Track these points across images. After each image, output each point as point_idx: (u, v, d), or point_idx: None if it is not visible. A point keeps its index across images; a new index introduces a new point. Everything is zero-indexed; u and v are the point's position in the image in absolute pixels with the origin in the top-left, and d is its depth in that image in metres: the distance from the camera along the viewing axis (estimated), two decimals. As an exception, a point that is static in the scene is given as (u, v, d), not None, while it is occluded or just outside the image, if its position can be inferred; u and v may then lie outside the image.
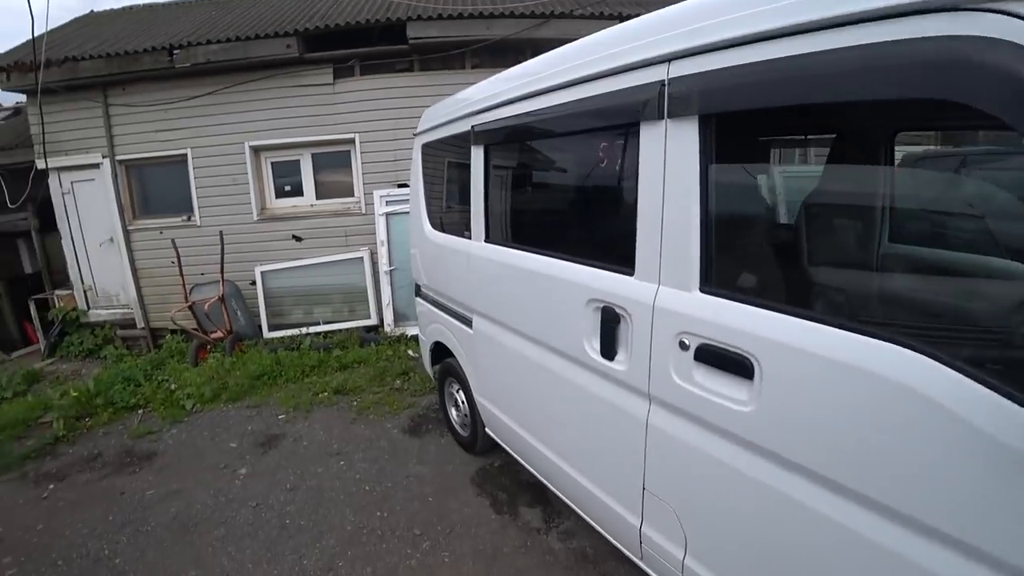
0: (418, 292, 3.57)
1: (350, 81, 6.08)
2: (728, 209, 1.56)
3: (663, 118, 1.47)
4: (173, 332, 6.17)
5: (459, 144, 2.74)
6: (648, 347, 1.62)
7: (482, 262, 2.53)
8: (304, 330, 5.95)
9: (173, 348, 5.99)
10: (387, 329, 5.88)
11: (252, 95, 6.12)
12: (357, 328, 5.97)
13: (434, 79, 5.89)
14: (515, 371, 2.41)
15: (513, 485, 3.02)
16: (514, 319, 2.34)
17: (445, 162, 3.15)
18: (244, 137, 6.20)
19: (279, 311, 6.18)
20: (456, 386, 3.30)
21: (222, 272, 5.84)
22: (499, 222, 2.49)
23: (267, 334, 6.09)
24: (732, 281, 1.53)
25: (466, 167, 2.63)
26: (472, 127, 2.51)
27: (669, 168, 1.48)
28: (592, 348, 1.86)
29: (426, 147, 3.24)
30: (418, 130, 3.32)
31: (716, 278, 1.45)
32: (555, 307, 2.03)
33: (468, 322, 2.77)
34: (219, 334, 5.82)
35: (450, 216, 3.16)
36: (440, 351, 3.31)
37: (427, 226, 3.22)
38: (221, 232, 5.95)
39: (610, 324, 1.76)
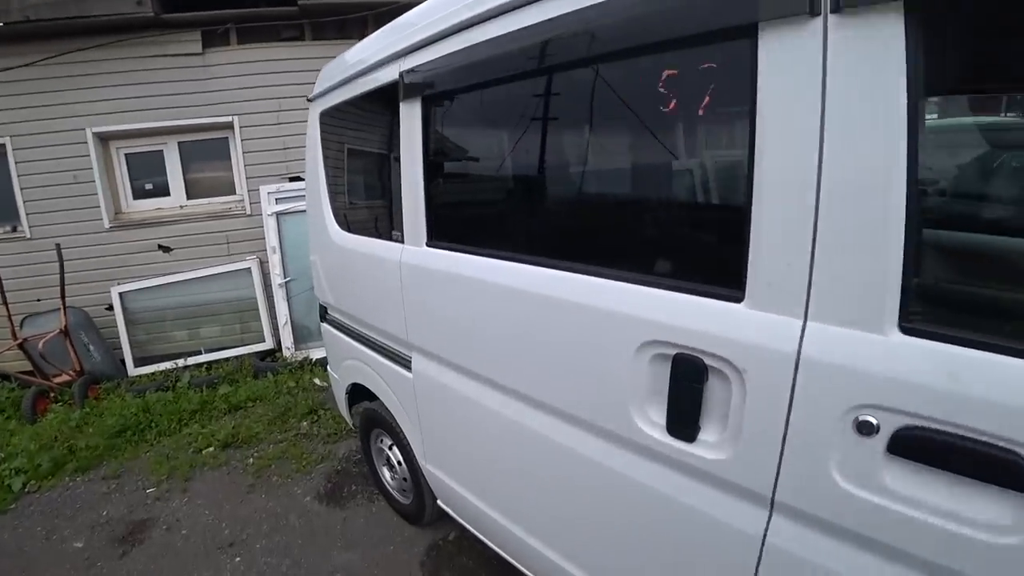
0: (324, 316, 2.66)
1: (224, 51, 4.91)
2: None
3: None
4: (4, 378, 4.75)
5: (379, 103, 1.90)
6: (779, 425, 0.92)
7: (424, 277, 1.71)
8: (182, 362, 4.75)
9: (1, 400, 4.57)
10: (286, 353, 4.83)
11: (95, 67, 4.77)
12: (249, 355, 4.86)
13: (330, 50, 4.85)
14: (493, 442, 1.63)
15: (480, 567, 2.24)
16: (488, 365, 1.56)
17: (356, 134, 2.27)
18: (86, 122, 4.84)
19: (147, 341, 4.91)
20: (388, 442, 2.45)
21: (63, 297, 4.50)
22: (455, 215, 1.69)
23: (133, 371, 4.82)
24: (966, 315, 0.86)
25: (391, 137, 1.79)
26: (402, 73, 1.68)
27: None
28: (648, 420, 1.16)
29: (327, 116, 2.33)
30: (315, 92, 2.40)
31: (934, 311, 0.77)
32: (571, 351, 1.29)
33: (404, 362, 1.94)
34: (65, 377, 4.49)
35: (366, 211, 2.29)
36: (361, 392, 2.45)
37: (332, 226, 2.32)
38: (58, 245, 4.59)
39: (688, 383, 1.06)
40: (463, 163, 1.70)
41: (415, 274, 1.74)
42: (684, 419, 1.11)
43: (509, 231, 1.59)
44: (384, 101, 1.83)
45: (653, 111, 1.15)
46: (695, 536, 1.14)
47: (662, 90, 1.07)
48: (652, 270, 1.18)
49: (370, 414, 2.47)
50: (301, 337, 4.86)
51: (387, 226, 1.91)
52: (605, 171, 1.44)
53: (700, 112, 1.08)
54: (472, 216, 1.70)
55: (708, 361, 1.06)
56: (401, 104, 1.70)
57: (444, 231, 1.67)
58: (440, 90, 1.57)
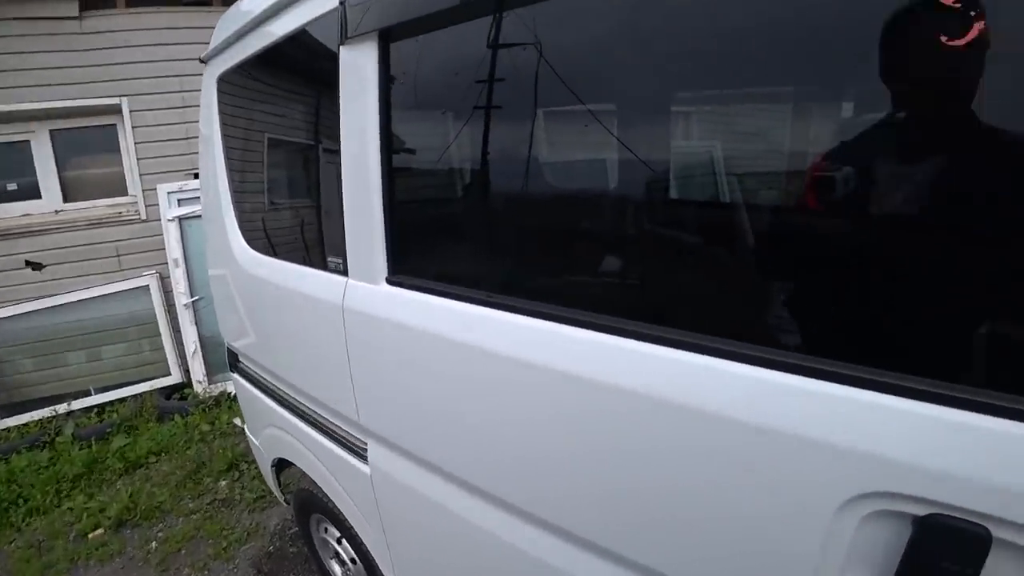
0: (233, 364, 1.93)
1: (109, 15, 3.93)
2: None
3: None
4: None
5: (306, 54, 1.24)
6: None
7: (384, 332, 1.06)
8: (64, 408, 3.80)
9: None
10: (198, 388, 3.94)
11: (-71, 36, 3.72)
12: (152, 392, 3.94)
13: (242, 18, 4.03)
14: None
15: None
16: (512, 486, 0.94)
17: (272, 106, 1.55)
18: (-81, 105, 3.78)
19: (16, 384, 3.91)
20: (337, 534, 1.78)
21: None
22: (440, 236, 1.10)
23: (-1, 421, 3.83)
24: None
25: (326, 107, 1.14)
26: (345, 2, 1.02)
27: None
28: None
29: (229, 82, 1.60)
30: (210, 49, 1.67)
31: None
32: (696, 491, 0.73)
33: (356, 451, 1.28)
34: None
35: (288, 222, 1.60)
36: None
37: (237, 242, 1.60)
38: None
39: (951, 563, 0.55)
40: (456, 148, 1.04)
41: (368, 327, 1.09)
42: None
43: (561, 267, 0.95)
44: (313, 51, 1.16)
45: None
46: None
47: None
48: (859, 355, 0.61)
49: (307, 497, 1.79)
50: (216, 367, 4.00)
51: (319, 249, 1.24)
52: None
53: None
54: (475, 238, 1.06)
55: (999, 532, 0.52)
56: (342, 52, 1.04)
57: (419, 261, 1.04)
58: (413, 17, 0.92)
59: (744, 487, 0.66)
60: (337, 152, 1.10)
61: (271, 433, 1.76)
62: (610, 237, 0.88)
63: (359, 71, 1.02)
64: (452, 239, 1.08)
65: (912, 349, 0.61)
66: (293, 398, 1.53)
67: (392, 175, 1.03)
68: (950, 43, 0.56)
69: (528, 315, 0.83)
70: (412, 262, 1.03)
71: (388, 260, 1.03)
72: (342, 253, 1.12)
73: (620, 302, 0.83)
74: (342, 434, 1.33)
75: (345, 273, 1.13)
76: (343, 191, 1.09)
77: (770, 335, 0.70)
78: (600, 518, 0.82)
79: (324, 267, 1.20)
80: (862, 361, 0.60)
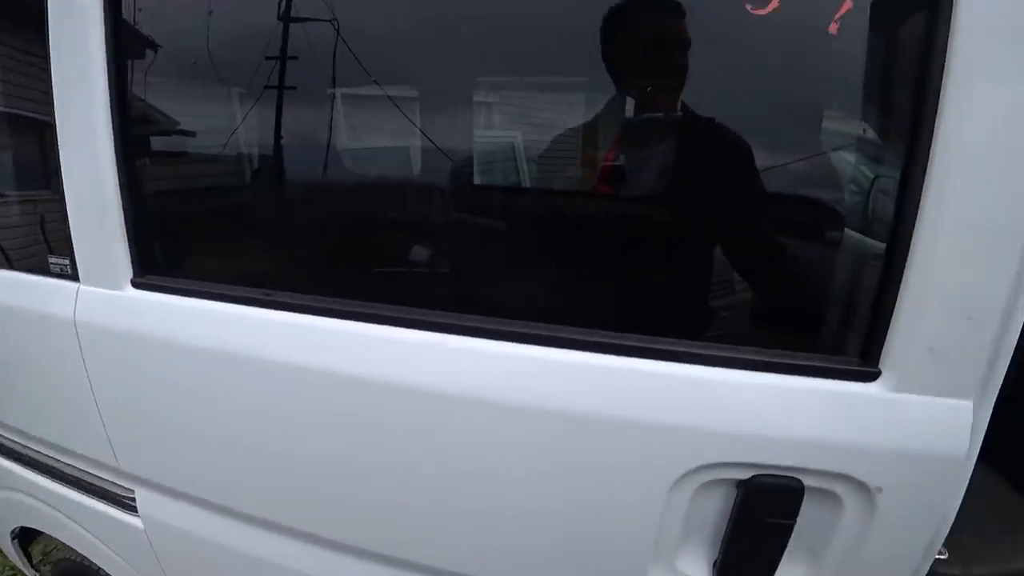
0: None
1: None
2: None
3: None
4: None
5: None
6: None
7: (137, 349, 0.82)
8: None
9: None
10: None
11: None
12: None
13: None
14: None
15: None
16: (329, 519, 0.79)
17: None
18: None
19: None
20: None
21: None
22: (202, 225, 0.88)
23: None
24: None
25: (35, 55, 0.88)
26: None
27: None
28: (674, 571, 0.64)
29: None
30: None
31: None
32: (525, 494, 0.67)
33: (121, 503, 1.01)
34: None
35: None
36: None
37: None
38: None
39: (771, 518, 0.57)
40: (218, 115, 0.82)
41: (112, 345, 0.84)
42: (750, 570, 0.61)
43: (356, 256, 0.80)
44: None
45: None
46: None
47: None
48: (678, 331, 0.59)
49: (73, 569, 1.41)
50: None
51: (37, 246, 0.94)
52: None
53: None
54: (245, 227, 0.87)
55: (810, 481, 0.52)
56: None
57: (175, 257, 0.82)
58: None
59: (572, 478, 0.61)
60: (51, 117, 0.83)
61: (5, 497, 1.35)
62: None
63: (76, 8, 0.76)
64: (216, 229, 0.87)
65: (698, 319, 0.61)
66: (27, 447, 1.17)
67: (133, 148, 0.80)
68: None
69: (316, 314, 0.69)
70: (166, 259, 0.81)
71: (133, 258, 0.80)
72: (69, 251, 0.85)
73: (432, 295, 0.72)
74: (101, 485, 1.04)
75: (75, 277, 0.85)
76: (62, 170, 0.82)
77: (575, 318, 0.64)
78: (418, 531, 0.72)
79: (45, 270, 0.90)
80: (661, 333, 0.58)
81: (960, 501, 0.56)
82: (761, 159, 0.57)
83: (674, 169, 0.64)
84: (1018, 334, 0.52)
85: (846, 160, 0.57)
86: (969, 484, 0.55)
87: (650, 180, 0.67)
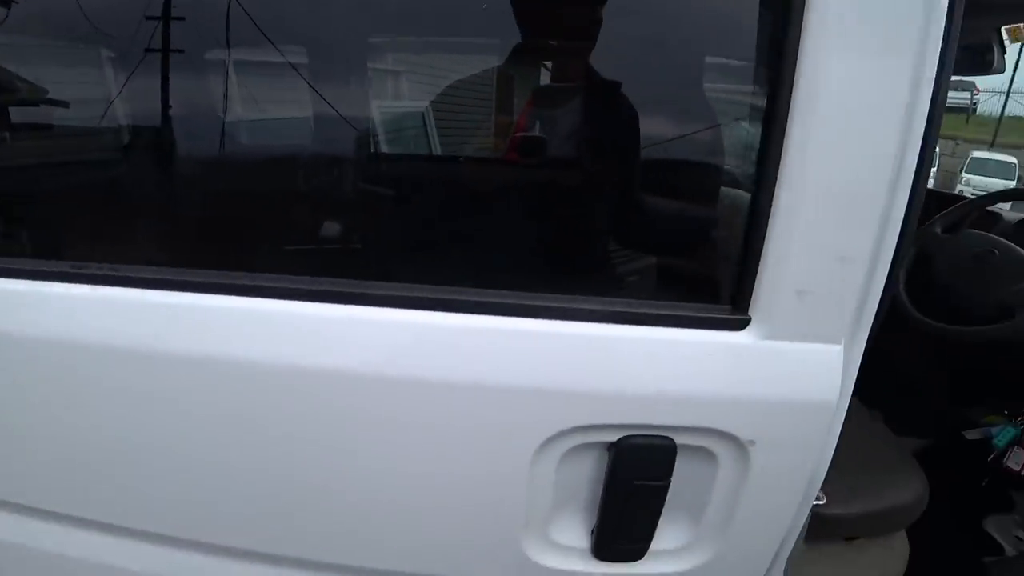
0: None
1: None
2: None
3: None
4: None
5: None
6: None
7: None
8: None
9: None
10: None
11: None
12: None
13: None
14: None
15: None
16: (174, 514, 0.65)
17: None
18: None
19: None
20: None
21: None
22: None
23: None
24: None
25: None
26: None
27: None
28: (558, 547, 0.60)
29: None
30: None
31: None
32: (387, 473, 0.59)
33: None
34: None
35: None
36: None
37: None
38: None
39: (643, 480, 0.54)
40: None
41: None
42: (629, 534, 0.58)
43: (209, 229, 0.70)
44: None
45: None
46: None
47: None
48: (543, 285, 0.55)
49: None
50: None
51: None
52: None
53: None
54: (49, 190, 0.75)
55: (682, 440, 0.49)
56: None
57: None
58: None
59: (432, 449, 0.57)
60: None
61: None
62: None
63: None
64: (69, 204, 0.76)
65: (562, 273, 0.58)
66: None
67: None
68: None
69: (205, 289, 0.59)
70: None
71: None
72: None
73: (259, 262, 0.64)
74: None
75: None
76: None
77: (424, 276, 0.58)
78: (270, 520, 0.65)
79: None
80: (515, 288, 0.54)
81: (834, 448, 0.54)
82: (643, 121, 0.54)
83: (561, 130, 0.61)
84: (886, 273, 0.50)
85: (719, 115, 0.55)
86: (845, 423, 0.54)
87: (528, 141, 0.63)
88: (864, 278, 0.49)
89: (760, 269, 0.49)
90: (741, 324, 0.51)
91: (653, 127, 0.56)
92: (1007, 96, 16.64)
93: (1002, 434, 1.36)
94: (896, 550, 1.18)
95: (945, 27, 0.44)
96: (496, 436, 0.54)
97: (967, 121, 18.66)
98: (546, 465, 0.54)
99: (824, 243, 0.47)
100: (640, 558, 0.60)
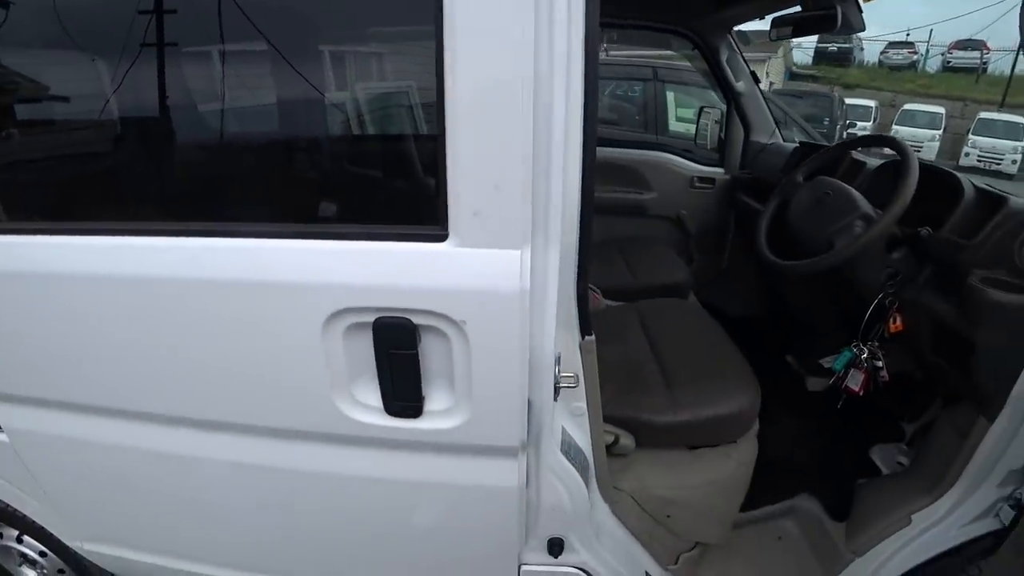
0: None
1: None
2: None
3: None
4: None
5: None
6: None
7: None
8: None
9: None
10: None
11: None
12: None
13: None
14: (168, 489, 1.13)
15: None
16: (123, 395, 1.01)
17: None
18: None
19: None
20: (14, 532, 1.61)
21: None
22: None
23: None
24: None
25: None
26: None
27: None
28: (360, 405, 0.87)
29: None
30: None
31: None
32: (239, 348, 0.90)
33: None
34: None
35: None
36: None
37: None
38: None
39: (398, 352, 0.81)
40: None
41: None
42: (403, 395, 0.83)
43: (100, 192, 0.99)
44: None
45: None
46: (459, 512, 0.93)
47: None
48: (316, 218, 0.82)
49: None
50: None
51: None
52: (237, 101, 0.95)
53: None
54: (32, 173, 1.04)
55: (418, 320, 0.74)
56: None
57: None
58: None
59: (253, 326, 0.83)
60: None
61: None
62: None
63: None
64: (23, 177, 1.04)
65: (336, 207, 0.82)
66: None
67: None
68: None
69: (103, 233, 0.87)
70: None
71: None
72: None
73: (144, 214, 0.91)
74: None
75: None
76: None
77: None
78: (184, 388, 0.93)
79: None
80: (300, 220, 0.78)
81: (527, 328, 0.76)
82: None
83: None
84: (556, 198, 0.72)
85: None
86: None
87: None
88: (519, 200, 0.70)
89: (448, 198, 0.72)
90: (442, 238, 0.74)
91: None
92: (1017, 54, 16.13)
93: (839, 359, 1.48)
94: (733, 458, 1.31)
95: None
96: (294, 316, 0.79)
97: (976, 81, 18.18)
98: (334, 339, 0.80)
99: (483, 176, 0.70)
100: (420, 415, 0.83)
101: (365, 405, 0.84)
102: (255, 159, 0.89)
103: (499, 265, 0.73)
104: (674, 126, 4.12)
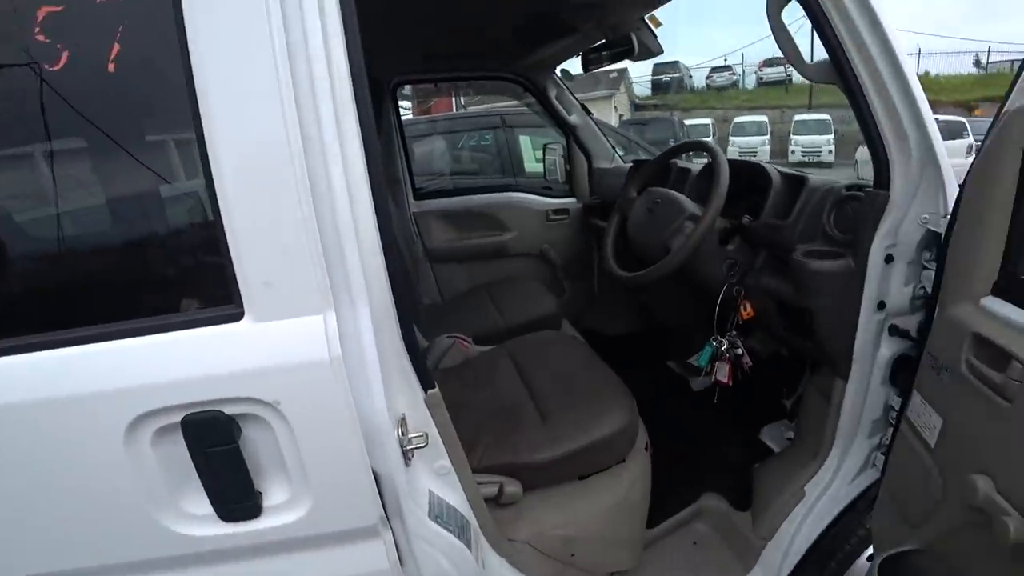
0: None
1: None
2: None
3: None
4: None
5: None
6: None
7: None
8: None
9: None
10: None
11: None
12: None
13: None
14: None
15: None
16: None
17: None
18: None
19: None
20: None
21: None
22: None
23: None
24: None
25: None
26: None
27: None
28: (191, 517, 0.75)
29: None
30: None
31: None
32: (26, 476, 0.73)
33: None
34: None
35: None
36: None
37: None
38: None
39: (215, 450, 0.70)
40: None
41: None
42: (234, 496, 0.73)
43: None
44: None
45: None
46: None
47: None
48: (98, 318, 0.71)
49: None
50: None
51: None
52: None
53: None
54: None
55: (230, 410, 0.66)
56: None
57: None
58: None
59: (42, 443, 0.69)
60: None
61: None
62: None
63: None
64: None
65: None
66: None
67: None
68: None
69: None
70: None
71: None
72: None
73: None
74: None
75: None
76: None
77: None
78: None
79: None
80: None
81: (349, 397, 0.70)
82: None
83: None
84: (352, 256, 0.68)
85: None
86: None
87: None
88: (310, 263, 0.66)
89: (236, 272, 0.66)
90: (238, 316, 0.67)
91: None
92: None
93: (702, 355, 1.55)
94: (624, 478, 1.29)
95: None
96: (90, 433, 0.68)
97: (786, 90, 21.14)
98: (141, 449, 0.68)
99: (267, 244, 0.65)
100: (260, 514, 0.73)
101: (194, 515, 0.72)
102: (20, 266, 0.77)
103: (302, 334, 0.67)
104: (534, 166, 4.30)
